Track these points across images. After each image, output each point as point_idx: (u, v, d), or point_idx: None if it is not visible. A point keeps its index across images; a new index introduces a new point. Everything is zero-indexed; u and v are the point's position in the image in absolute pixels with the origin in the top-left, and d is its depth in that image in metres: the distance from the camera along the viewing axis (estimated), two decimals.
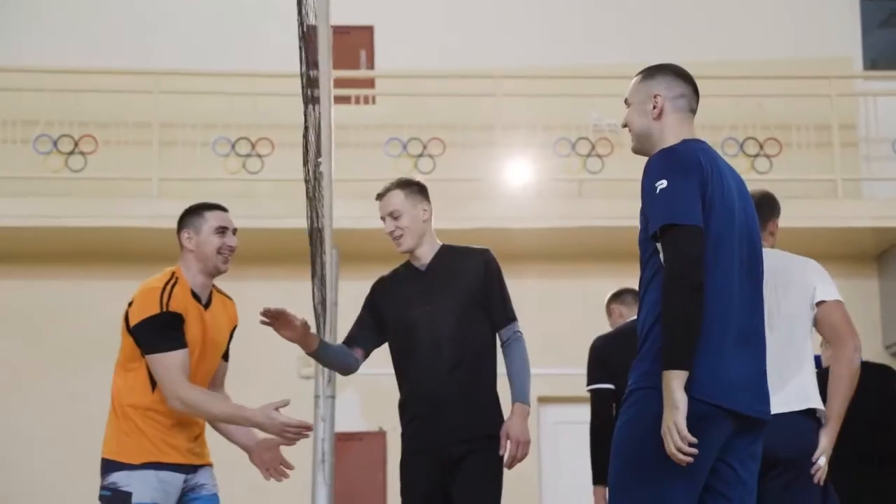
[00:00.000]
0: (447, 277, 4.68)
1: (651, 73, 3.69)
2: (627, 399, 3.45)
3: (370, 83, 11.95)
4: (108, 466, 4.29)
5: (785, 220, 11.91)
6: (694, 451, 3.27)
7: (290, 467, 4.57)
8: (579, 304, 10.36)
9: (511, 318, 4.74)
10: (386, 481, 10.44)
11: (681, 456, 3.27)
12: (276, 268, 10.26)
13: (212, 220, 4.54)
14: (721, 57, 11.91)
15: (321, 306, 5.28)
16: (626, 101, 3.71)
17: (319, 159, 4.97)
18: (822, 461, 4.38)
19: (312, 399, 6.73)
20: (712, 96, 11.33)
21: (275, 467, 4.54)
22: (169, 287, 4.34)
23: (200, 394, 4.25)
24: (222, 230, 4.51)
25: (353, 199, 10.49)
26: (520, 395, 4.63)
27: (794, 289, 4.53)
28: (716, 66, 11.68)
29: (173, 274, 4.44)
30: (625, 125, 3.72)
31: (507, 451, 4.57)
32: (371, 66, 12.18)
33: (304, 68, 4.52)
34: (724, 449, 3.43)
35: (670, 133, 3.58)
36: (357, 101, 11.52)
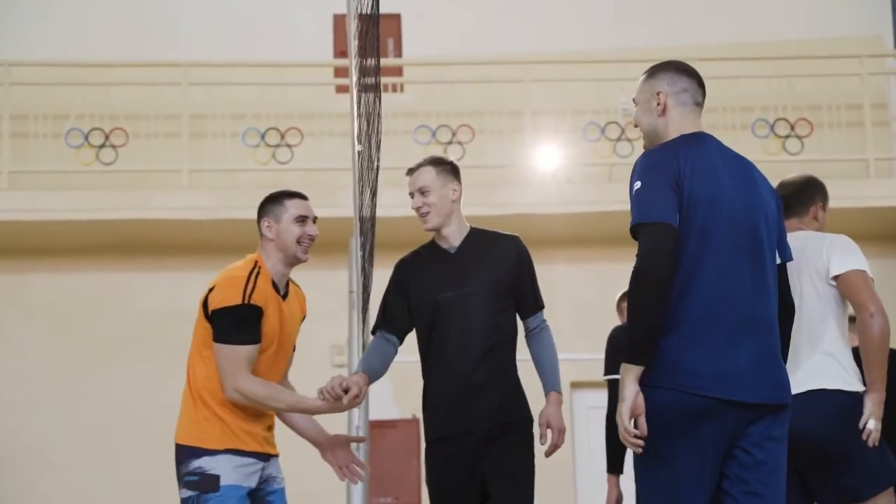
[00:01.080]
0: (478, 262, 4.64)
1: (654, 71, 3.78)
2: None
3: (398, 71, 11.95)
4: (190, 452, 4.26)
5: None
6: (639, 442, 3.44)
7: (363, 467, 4.55)
8: (610, 289, 10.31)
9: (540, 306, 4.74)
10: (420, 467, 10.46)
11: (632, 441, 3.44)
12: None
13: (292, 208, 4.42)
14: (751, 38, 11.85)
15: (361, 293, 5.29)
16: (633, 101, 3.82)
17: (359, 146, 5.01)
18: (870, 424, 4.40)
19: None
20: (743, 77, 11.33)
21: (346, 465, 4.51)
22: (253, 277, 4.25)
23: (261, 386, 4.19)
24: (303, 219, 4.42)
25: (383, 187, 10.51)
26: (553, 384, 4.64)
27: (808, 269, 4.54)
28: (746, 47, 11.63)
29: (256, 263, 4.34)
30: (636, 125, 3.82)
31: (548, 440, 4.56)
32: (399, 54, 12.18)
33: (357, 57, 4.52)
34: (738, 435, 3.50)
35: (673, 128, 3.68)
36: (385, 90, 11.51)
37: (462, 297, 4.59)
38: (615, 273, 11.39)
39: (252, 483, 4.26)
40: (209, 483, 4.19)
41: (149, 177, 11.09)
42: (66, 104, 11.05)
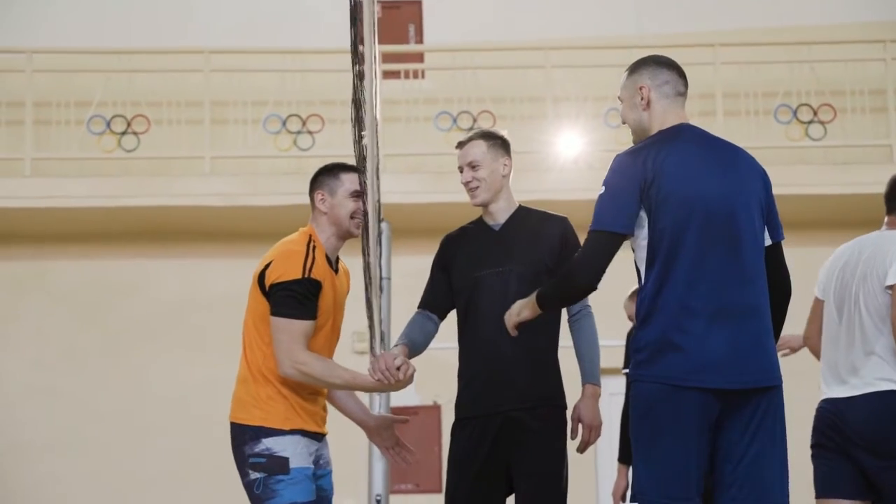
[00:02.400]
0: (521, 240, 4.50)
1: (635, 66, 3.87)
2: (628, 387, 3.72)
3: (419, 57, 11.93)
4: (255, 433, 4.12)
5: (840, 187, 11.80)
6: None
7: (410, 452, 4.45)
8: (633, 275, 10.31)
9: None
10: (441, 454, 10.48)
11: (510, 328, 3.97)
12: None
13: (348, 182, 4.29)
14: (773, 23, 11.78)
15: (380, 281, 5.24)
16: (619, 99, 3.92)
17: (363, 132, 4.91)
18: None
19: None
20: (765, 63, 11.27)
21: (393, 447, 4.42)
22: (311, 251, 4.14)
23: (319, 363, 4.08)
24: (358, 194, 4.30)
25: (403, 174, 10.52)
26: (590, 375, 4.50)
27: (873, 269, 4.52)
28: (768, 32, 11.58)
29: (310, 237, 4.22)
30: (623, 122, 3.92)
31: (579, 435, 4.43)
32: (420, 40, 12.15)
33: (357, 44, 4.44)
34: (727, 421, 3.59)
35: (656, 122, 3.78)
36: (406, 76, 11.51)
37: (501, 275, 4.47)
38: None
39: (312, 465, 4.16)
40: (278, 465, 4.07)
41: (170, 164, 11.11)
42: (89, 91, 11.07)
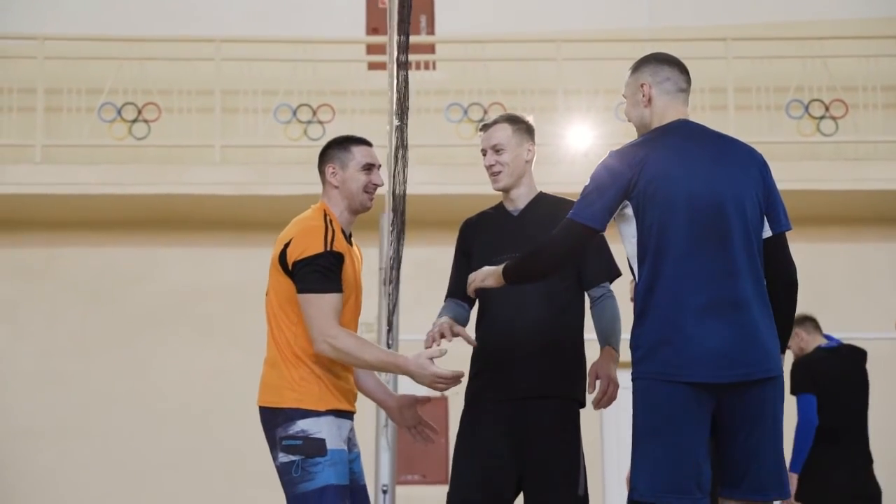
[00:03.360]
0: (540, 225, 4.41)
1: (637, 65, 3.96)
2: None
3: (431, 49, 11.92)
4: (290, 415, 4.00)
5: (851, 183, 11.77)
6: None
7: (434, 430, 4.35)
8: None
9: (609, 276, 4.50)
10: (448, 445, 10.49)
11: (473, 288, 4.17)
12: None
13: (359, 155, 4.24)
14: (787, 18, 11.75)
15: (392, 271, 5.20)
16: (623, 97, 4.01)
17: (397, 122, 4.89)
18: None
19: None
20: (777, 58, 11.24)
21: (415, 427, 4.33)
22: (329, 225, 4.08)
23: (352, 338, 4.00)
24: (369, 167, 4.24)
25: (414, 165, 10.49)
26: (610, 340, 4.40)
27: None
28: (781, 27, 11.54)
29: (324, 212, 4.16)
30: (628, 119, 4.00)
31: (596, 389, 4.32)
32: (431, 31, 12.14)
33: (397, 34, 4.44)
34: (723, 413, 3.65)
35: (656, 118, 3.87)
36: (417, 67, 11.49)
37: None
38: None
39: (346, 447, 4.09)
40: (315, 447, 3.98)
41: (181, 152, 11.12)
42: (100, 79, 11.08)
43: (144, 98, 11.14)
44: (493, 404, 4.38)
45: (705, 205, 3.68)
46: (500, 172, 4.53)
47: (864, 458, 6.79)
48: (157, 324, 11.11)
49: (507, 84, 11.26)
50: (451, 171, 10.23)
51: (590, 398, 4.43)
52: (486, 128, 4.61)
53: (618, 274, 4.54)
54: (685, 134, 3.80)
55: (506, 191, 4.57)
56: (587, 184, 3.79)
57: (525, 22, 11.85)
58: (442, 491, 5.04)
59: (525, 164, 4.56)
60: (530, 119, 4.64)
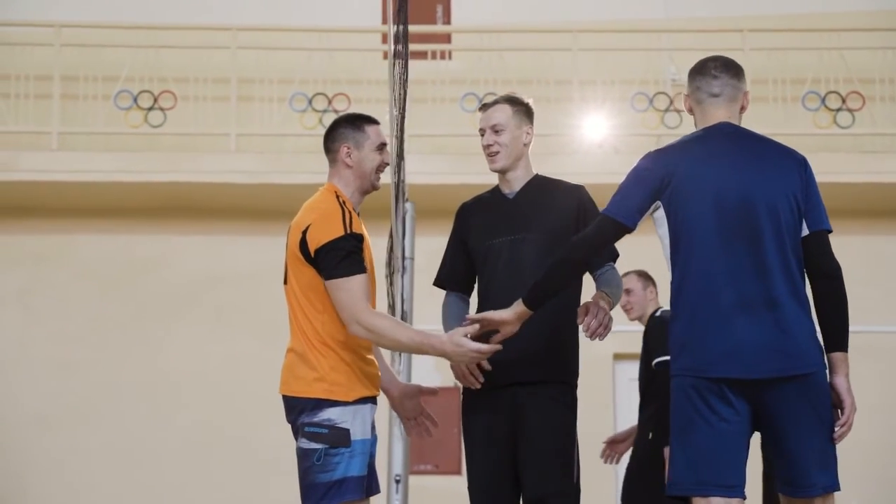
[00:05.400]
0: (535, 208, 4.43)
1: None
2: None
3: (446, 38, 11.90)
4: (317, 403, 3.97)
5: (868, 175, 11.72)
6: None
7: (434, 424, 4.37)
8: (656, 260, 10.28)
9: (612, 257, 4.45)
10: (461, 436, 10.48)
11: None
12: None
13: (374, 136, 4.22)
14: (803, 9, 11.69)
15: (399, 261, 5.21)
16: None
17: (396, 112, 4.87)
18: None
19: (388, 355, 6.74)
20: (794, 49, 11.19)
21: (416, 418, 4.31)
22: (344, 207, 4.06)
23: (385, 320, 3.98)
24: (382, 146, 4.24)
25: (429, 154, 10.50)
26: (603, 288, 4.33)
27: None
28: (798, 18, 11.49)
29: (336, 194, 4.14)
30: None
31: (587, 316, 4.19)
32: (447, 21, 12.13)
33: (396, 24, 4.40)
34: (760, 406, 3.70)
35: (699, 124, 3.96)
36: (433, 57, 11.48)
37: (514, 244, 4.39)
38: (660, 245, 11.35)
39: (370, 435, 4.06)
40: (339, 437, 3.95)
41: (196, 140, 11.13)
42: (116, 66, 11.09)
43: (160, 86, 11.15)
44: (490, 390, 4.35)
45: (735, 204, 3.75)
46: (497, 153, 4.50)
47: None
48: (170, 311, 11.14)
49: (523, 74, 11.23)
50: (465, 161, 10.21)
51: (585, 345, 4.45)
52: (485, 107, 4.58)
53: (617, 254, 4.50)
54: (721, 136, 3.88)
55: (502, 172, 4.54)
56: (622, 181, 3.88)
57: (541, 12, 11.83)
58: (455, 481, 5.06)
59: (523, 147, 4.54)
60: (530, 101, 4.61)
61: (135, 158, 10.75)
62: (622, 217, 3.82)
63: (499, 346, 4.02)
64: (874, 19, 11.52)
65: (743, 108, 3.97)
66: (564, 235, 4.30)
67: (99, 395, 10.94)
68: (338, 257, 3.97)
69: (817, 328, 3.78)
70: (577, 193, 4.52)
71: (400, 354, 6.27)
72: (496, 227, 4.46)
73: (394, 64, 4.94)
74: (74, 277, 11.17)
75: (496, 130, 4.50)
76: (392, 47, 4.91)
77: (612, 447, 6.24)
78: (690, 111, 4.00)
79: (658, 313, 6.65)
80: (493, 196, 4.59)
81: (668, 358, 5.90)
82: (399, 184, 5.00)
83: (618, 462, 6.18)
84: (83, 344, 11.02)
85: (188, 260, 11.23)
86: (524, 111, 4.56)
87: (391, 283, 5.77)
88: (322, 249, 3.99)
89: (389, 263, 5.72)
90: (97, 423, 10.90)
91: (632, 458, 6.11)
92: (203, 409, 10.95)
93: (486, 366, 4.30)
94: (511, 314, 4.01)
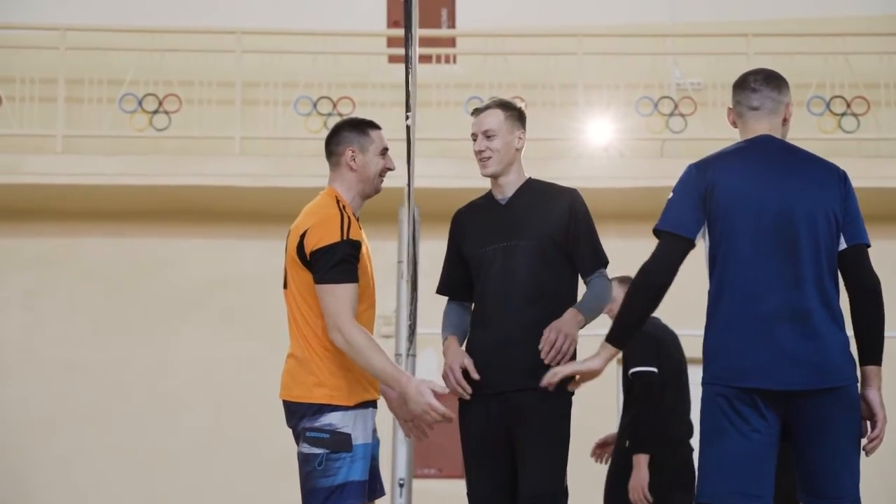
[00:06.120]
0: (527, 214, 4.41)
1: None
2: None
3: (451, 42, 11.91)
4: (319, 408, 3.97)
5: (873, 181, 11.71)
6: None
7: (430, 427, 4.27)
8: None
9: (601, 263, 4.44)
10: None
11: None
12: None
13: (377, 140, 4.25)
14: (808, 14, 11.70)
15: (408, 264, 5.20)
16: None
17: (408, 112, 4.88)
18: None
19: (394, 358, 6.75)
20: (799, 54, 11.19)
21: (412, 420, 4.24)
22: (344, 212, 4.05)
23: (366, 337, 3.95)
24: (385, 151, 4.26)
25: (433, 158, 10.50)
26: (579, 305, 4.32)
27: None
28: (803, 23, 11.49)
29: (337, 199, 4.13)
30: None
31: (545, 343, 4.21)
32: (452, 24, 12.14)
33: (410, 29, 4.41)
34: (791, 418, 3.73)
35: (742, 137, 3.98)
36: (438, 60, 11.49)
37: (507, 250, 4.37)
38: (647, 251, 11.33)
39: (371, 438, 4.07)
40: (341, 442, 3.96)
41: (201, 143, 11.14)
42: (121, 69, 11.11)
43: (165, 89, 11.16)
44: (483, 397, 4.34)
45: (773, 215, 3.77)
46: (489, 158, 4.49)
47: None
48: (175, 314, 11.15)
49: (528, 78, 11.24)
50: (470, 165, 10.16)
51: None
52: (477, 112, 4.57)
53: (607, 261, 4.49)
54: (761, 149, 3.89)
55: (494, 177, 4.52)
56: (669, 196, 3.90)
57: (545, 16, 11.83)
58: (458, 485, 5.05)
59: (515, 152, 4.51)
60: (523, 106, 4.59)
61: (139, 162, 10.76)
62: (684, 231, 3.83)
63: (452, 416, 4.02)
64: (879, 24, 11.53)
65: (785, 121, 3.95)
66: (556, 240, 4.35)
67: (104, 398, 10.95)
68: (330, 262, 3.97)
69: (850, 340, 3.78)
70: (569, 197, 4.49)
71: (405, 356, 6.26)
72: (489, 233, 4.46)
73: (408, 71, 4.94)
74: (79, 280, 11.19)
75: (488, 136, 4.50)
76: (409, 52, 4.91)
77: (603, 448, 6.29)
78: (734, 124, 4.01)
79: None
80: (486, 202, 4.58)
81: (644, 368, 6.00)
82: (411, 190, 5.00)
83: (607, 462, 6.23)
84: (88, 346, 11.04)
85: (193, 263, 11.24)
86: (516, 116, 4.54)
87: (414, 289, 5.75)
88: (317, 253, 3.99)
89: (414, 269, 5.71)
90: (103, 425, 10.91)
91: (611, 463, 6.16)
92: (209, 411, 10.96)
93: (475, 375, 4.31)
94: (600, 362, 3.95)
